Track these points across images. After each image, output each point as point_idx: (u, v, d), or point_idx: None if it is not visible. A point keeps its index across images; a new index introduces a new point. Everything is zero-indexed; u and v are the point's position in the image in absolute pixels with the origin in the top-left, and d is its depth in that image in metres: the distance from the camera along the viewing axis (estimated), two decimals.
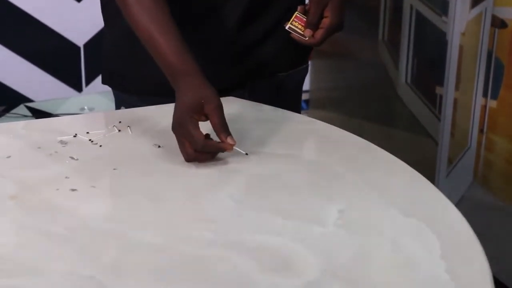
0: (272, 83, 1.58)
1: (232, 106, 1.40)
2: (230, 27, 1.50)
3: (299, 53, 1.62)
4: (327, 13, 1.50)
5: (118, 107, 1.58)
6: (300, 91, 1.68)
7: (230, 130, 1.23)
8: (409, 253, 0.98)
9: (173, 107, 1.25)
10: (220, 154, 1.23)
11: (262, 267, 0.95)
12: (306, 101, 3.30)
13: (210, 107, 1.23)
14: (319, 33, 1.48)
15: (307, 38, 1.47)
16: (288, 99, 1.61)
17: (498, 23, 2.04)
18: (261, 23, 1.54)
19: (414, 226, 1.03)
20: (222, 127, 1.22)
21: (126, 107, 1.52)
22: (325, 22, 1.49)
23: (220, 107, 1.24)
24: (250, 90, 1.55)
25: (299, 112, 1.66)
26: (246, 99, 1.51)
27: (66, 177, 1.16)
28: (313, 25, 1.48)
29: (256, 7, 1.52)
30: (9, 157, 1.23)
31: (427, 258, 0.97)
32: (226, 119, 1.23)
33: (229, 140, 1.21)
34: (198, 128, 1.21)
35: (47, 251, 0.99)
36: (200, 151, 1.20)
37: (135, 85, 1.53)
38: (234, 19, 1.50)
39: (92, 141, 1.28)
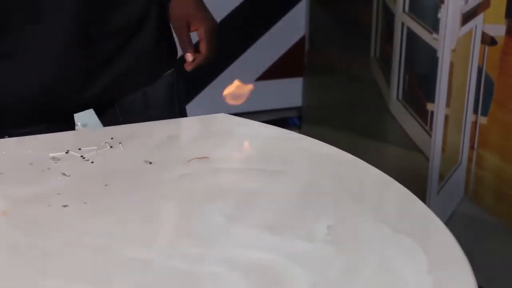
0: (137, 96, 1.60)
1: (222, 122, 1.41)
2: (71, 48, 1.49)
3: (158, 63, 1.62)
4: (195, 25, 1.57)
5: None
6: (174, 93, 1.66)
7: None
8: (397, 269, 0.98)
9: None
10: (211, 171, 1.24)
11: (251, 283, 0.96)
12: (298, 117, 3.31)
13: None
14: (202, 46, 1.56)
15: (191, 60, 1.53)
16: (161, 104, 1.63)
17: (488, 40, 2.06)
18: (108, 41, 1.54)
19: (402, 242, 1.04)
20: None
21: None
22: (198, 34, 1.56)
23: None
24: (119, 107, 1.60)
25: (184, 112, 1.69)
26: (118, 115, 1.58)
27: (58, 193, 1.16)
28: (187, 48, 1.55)
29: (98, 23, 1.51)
30: (1, 173, 1.24)
31: (414, 274, 0.97)
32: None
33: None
34: None
35: (38, 267, 0.99)
36: None
37: None
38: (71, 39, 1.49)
39: (84, 158, 1.29)
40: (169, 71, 1.63)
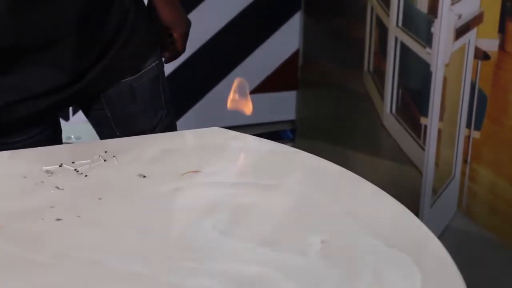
0: (123, 88, 1.62)
1: (216, 136, 1.41)
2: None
3: (140, 55, 1.66)
4: (172, 29, 1.73)
5: None
6: (159, 85, 1.71)
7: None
8: (390, 283, 0.99)
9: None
10: (204, 185, 1.24)
11: None
12: (292, 130, 3.32)
13: None
14: (178, 45, 1.75)
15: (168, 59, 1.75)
16: (148, 96, 1.67)
17: (481, 55, 2.07)
18: (94, 35, 1.57)
19: (395, 256, 1.04)
20: None
21: None
22: (175, 37, 1.74)
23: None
24: (106, 102, 1.63)
25: (170, 106, 1.74)
26: (106, 110, 1.63)
27: (51, 207, 1.16)
28: (166, 49, 1.74)
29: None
30: None
31: None
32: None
33: None
34: None
35: (31, 280, 0.99)
36: None
37: None
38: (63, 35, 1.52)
39: (77, 171, 1.29)
40: (153, 64, 1.68)
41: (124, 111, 1.62)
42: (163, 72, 1.73)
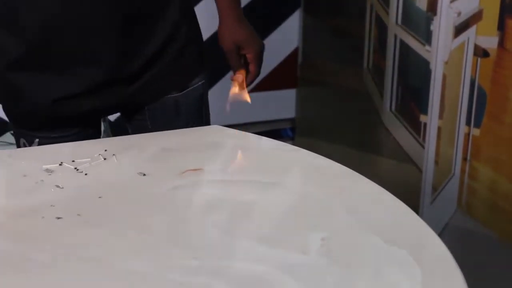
0: (168, 103, 1.62)
1: (216, 134, 1.41)
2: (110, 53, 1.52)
3: (190, 72, 1.65)
4: (245, 49, 1.67)
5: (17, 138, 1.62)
6: (202, 105, 1.70)
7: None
8: (391, 281, 0.99)
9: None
10: (205, 183, 1.24)
11: None
12: (292, 129, 3.32)
13: None
14: (251, 67, 1.68)
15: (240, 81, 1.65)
16: (192, 114, 1.65)
17: (480, 52, 2.07)
18: (143, 47, 1.56)
19: (396, 254, 1.04)
20: None
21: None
22: (249, 57, 1.67)
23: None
24: (149, 115, 1.62)
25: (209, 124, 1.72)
26: (148, 122, 1.61)
27: (51, 205, 1.16)
28: (238, 69, 1.67)
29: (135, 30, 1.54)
30: None
31: (408, 286, 0.98)
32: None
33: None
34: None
35: (32, 279, 0.99)
36: None
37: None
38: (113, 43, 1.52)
39: (77, 170, 1.29)
40: (199, 83, 1.66)
41: (166, 126, 1.60)
42: (207, 92, 1.71)
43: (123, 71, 1.54)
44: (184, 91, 1.63)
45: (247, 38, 1.67)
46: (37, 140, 1.56)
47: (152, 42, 1.56)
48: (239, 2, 1.67)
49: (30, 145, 1.57)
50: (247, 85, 1.68)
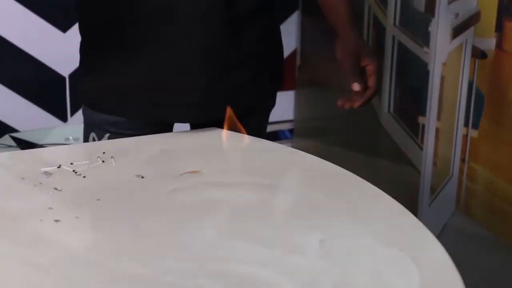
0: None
1: (214, 136, 1.41)
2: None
3: (269, 88, 1.65)
4: (365, 60, 1.60)
5: (87, 131, 1.61)
6: (266, 122, 1.71)
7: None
8: (389, 283, 0.99)
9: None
10: (203, 185, 1.24)
11: None
12: (290, 130, 3.32)
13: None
14: (371, 80, 1.59)
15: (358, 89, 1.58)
16: (255, 129, 1.64)
17: (478, 54, 2.07)
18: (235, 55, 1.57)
19: (394, 256, 1.04)
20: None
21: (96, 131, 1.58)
22: (369, 69, 1.59)
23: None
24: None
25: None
26: None
27: (50, 208, 1.16)
28: (355, 78, 1.58)
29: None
30: None
31: (406, 287, 0.98)
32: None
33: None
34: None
35: (29, 282, 0.99)
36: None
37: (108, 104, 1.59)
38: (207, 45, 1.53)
39: (76, 172, 1.29)
40: (270, 102, 1.71)
41: None
42: (270, 112, 1.72)
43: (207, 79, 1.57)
44: (255, 105, 1.66)
45: (367, 50, 1.64)
46: (107, 134, 1.58)
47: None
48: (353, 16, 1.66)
49: (99, 139, 1.59)
50: (367, 101, 1.60)
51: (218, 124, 1.50)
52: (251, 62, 1.61)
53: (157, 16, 1.51)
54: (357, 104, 1.59)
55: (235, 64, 1.57)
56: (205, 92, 1.55)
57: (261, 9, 1.61)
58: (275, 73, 1.72)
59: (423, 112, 2.32)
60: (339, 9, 1.65)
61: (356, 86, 1.57)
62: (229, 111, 1.39)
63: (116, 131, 1.58)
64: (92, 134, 1.61)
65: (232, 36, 1.55)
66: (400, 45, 2.43)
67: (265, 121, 1.74)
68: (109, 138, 1.57)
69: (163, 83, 1.54)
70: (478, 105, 2.10)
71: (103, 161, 1.33)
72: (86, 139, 1.63)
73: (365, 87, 1.59)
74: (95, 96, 1.60)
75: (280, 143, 1.58)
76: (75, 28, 2.81)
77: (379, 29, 2.57)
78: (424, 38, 2.27)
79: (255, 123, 1.67)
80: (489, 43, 2.03)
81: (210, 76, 1.55)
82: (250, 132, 1.55)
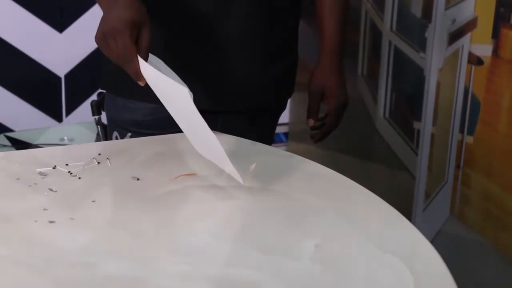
0: (247, 117, 1.60)
1: None
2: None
3: (282, 91, 1.66)
4: (329, 101, 1.64)
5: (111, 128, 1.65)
6: (275, 125, 1.70)
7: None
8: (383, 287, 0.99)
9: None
10: (198, 188, 1.24)
11: None
12: (286, 134, 3.32)
13: None
14: (328, 119, 1.66)
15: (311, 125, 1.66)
16: (264, 131, 1.64)
17: (475, 60, 2.07)
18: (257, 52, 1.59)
19: (389, 261, 1.04)
20: None
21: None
22: (328, 108, 1.65)
23: None
24: (223, 122, 1.58)
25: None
26: (218, 130, 1.53)
27: (44, 209, 1.16)
28: (312, 115, 1.65)
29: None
30: None
31: None
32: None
33: None
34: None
35: (23, 283, 0.99)
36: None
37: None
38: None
39: (71, 173, 1.29)
40: (282, 104, 1.71)
41: (235, 135, 1.59)
42: (279, 116, 1.73)
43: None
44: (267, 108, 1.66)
45: (334, 89, 1.64)
46: (129, 134, 1.58)
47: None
48: (342, 50, 1.67)
49: (122, 138, 1.60)
50: (323, 137, 1.67)
51: (245, 113, 1.56)
52: (284, 56, 1.63)
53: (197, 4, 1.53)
54: (315, 139, 1.68)
55: (272, 57, 1.60)
56: (243, 79, 1.56)
57: (291, 8, 1.63)
58: (294, 74, 1.72)
59: (418, 117, 2.32)
60: (333, 35, 1.68)
61: (310, 122, 1.66)
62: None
63: (137, 130, 1.58)
64: (115, 133, 1.61)
65: (270, 30, 1.58)
66: (397, 50, 2.44)
67: (275, 126, 1.74)
68: (131, 137, 1.58)
69: (200, 70, 1.55)
70: (473, 111, 2.10)
71: (98, 163, 1.33)
72: (110, 137, 1.65)
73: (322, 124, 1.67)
74: (120, 80, 1.59)
75: (275, 147, 1.58)
76: (72, 28, 2.82)
77: (376, 34, 2.57)
78: (421, 44, 2.27)
79: (267, 129, 1.68)
80: (486, 50, 2.04)
81: (248, 65, 1.57)
82: (263, 137, 1.56)
